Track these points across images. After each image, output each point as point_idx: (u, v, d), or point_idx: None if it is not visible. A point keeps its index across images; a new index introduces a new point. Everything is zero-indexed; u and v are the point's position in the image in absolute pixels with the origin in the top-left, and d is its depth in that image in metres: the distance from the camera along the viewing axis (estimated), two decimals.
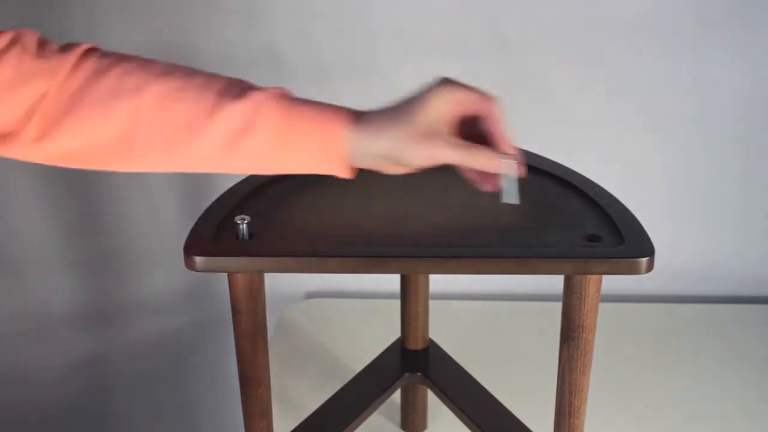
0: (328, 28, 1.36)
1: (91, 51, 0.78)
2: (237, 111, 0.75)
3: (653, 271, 0.82)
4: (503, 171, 0.75)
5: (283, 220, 0.88)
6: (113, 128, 0.76)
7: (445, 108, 0.75)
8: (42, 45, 0.76)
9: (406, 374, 1.18)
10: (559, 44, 1.36)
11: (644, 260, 0.79)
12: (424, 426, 1.32)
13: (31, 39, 0.76)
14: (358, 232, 0.77)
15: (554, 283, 1.10)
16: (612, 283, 0.95)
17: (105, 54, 0.78)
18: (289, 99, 0.77)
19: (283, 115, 0.76)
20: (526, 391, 1.25)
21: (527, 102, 1.40)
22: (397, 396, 1.27)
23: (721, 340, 1.49)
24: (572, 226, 0.84)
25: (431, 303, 1.19)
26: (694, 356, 1.45)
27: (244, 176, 0.95)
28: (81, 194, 1.53)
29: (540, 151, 0.97)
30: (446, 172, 0.92)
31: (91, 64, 0.76)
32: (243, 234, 0.82)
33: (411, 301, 1.17)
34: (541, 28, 1.34)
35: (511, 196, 0.76)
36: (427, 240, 0.84)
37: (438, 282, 1.25)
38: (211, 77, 0.78)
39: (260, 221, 0.85)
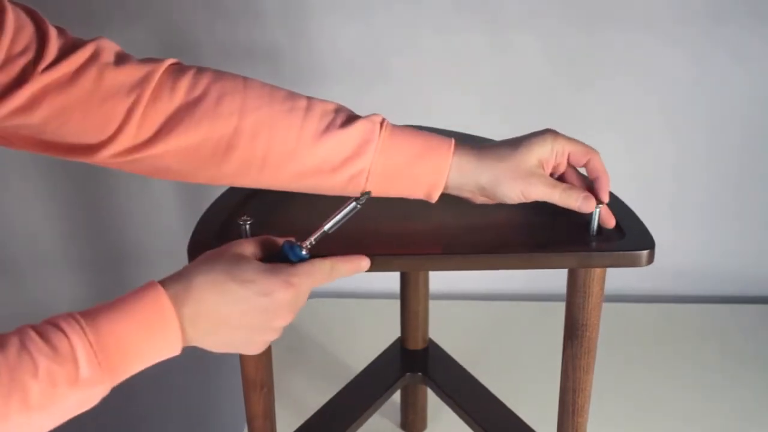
0: (327, 28, 1.36)
1: (174, 66, 0.78)
2: (345, 138, 0.78)
3: (653, 271, 0.83)
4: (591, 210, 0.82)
5: (284, 220, 0.88)
6: (208, 149, 0.77)
7: (547, 155, 0.81)
8: (122, 58, 0.76)
9: (407, 374, 1.18)
10: (560, 44, 1.36)
11: (645, 253, 0.81)
12: (424, 426, 1.32)
13: (109, 52, 0.75)
14: (361, 230, 0.77)
15: (554, 282, 1.10)
16: (613, 283, 0.96)
17: (198, 72, 0.78)
18: (391, 128, 0.80)
19: (388, 145, 0.79)
20: (526, 390, 1.25)
21: (528, 102, 1.40)
22: (397, 396, 1.27)
23: (721, 340, 1.49)
24: (574, 222, 0.84)
25: (431, 303, 1.19)
26: (694, 356, 1.45)
27: None
28: (81, 194, 1.53)
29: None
30: None
31: (183, 82, 0.76)
32: (246, 235, 0.82)
33: (411, 301, 1.17)
34: (542, 27, 1.34)
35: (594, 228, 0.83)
36: (430, 238, 0.84)
37: (438, 282, 1.25)
38: (313, 101, 0.80)
39: (262, 222, 0.85)
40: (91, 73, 0.73)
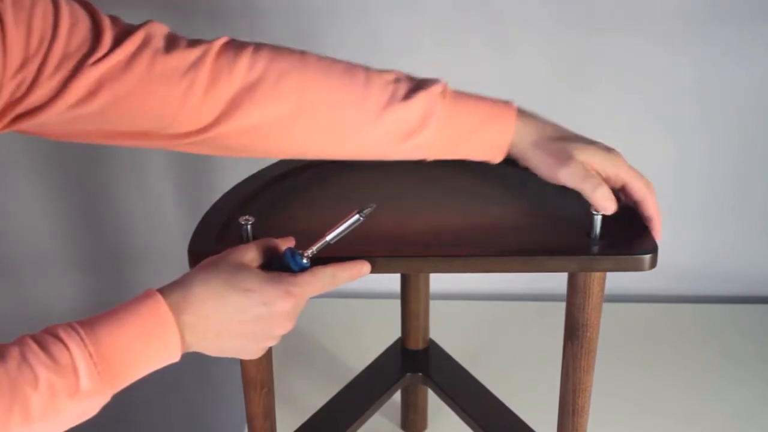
0: (328, 28, 1.36)
1: (229, 44, 0.78)
2: (406, 112, 0.79)
3: (653, 271, 0.82)
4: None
5: (285, 220, 0.88)
6: (270, 128, 0.78)
7: (599, 166, 0.81)
8: (173, 42, 0.76)
9: (407, 374, 1.18)
10: (561, 43, 1.36)
11: (647, 257, 0.81)
12: (425, 426, 1.32)
13: (159, 37, 0.75)
14: (362, 232, 0.77)
15: (554, 283, 1.10)
16: (613, 283, 0.96)
17: (255, 50, 0.78)
18: (453, 95, 0.81)
19: (451, 114, 0.80)
20: (526, 390, 1.25)
21: (528, 103, 1.40)
22: (397, 396, 1.27)
23: (721, 340, 1.49)
24: (576, 225, 0.84)
25: (431, 303, 1.19)
26: (694, 356, 1.45)
27: (245, 176, 0.95)
28: (81, 194, 1.53)
29: None
30: (449, 173, 0.92)
31: (242, 63, 0.77)
32: (247, 235, 0.82)
33: (411, 301, 1.17)
34: (542, 27, 1.34)
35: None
36: (431, 239, 0.84)
37: (438, 282, 1.25)
38: (371, 74, 0.81)
39: (263, 222, 0.85)
40: (144, 60, 0.73)
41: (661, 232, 0.83)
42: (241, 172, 0.96)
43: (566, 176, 0.81)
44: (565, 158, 0.81)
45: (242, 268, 0.73)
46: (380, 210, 0.81)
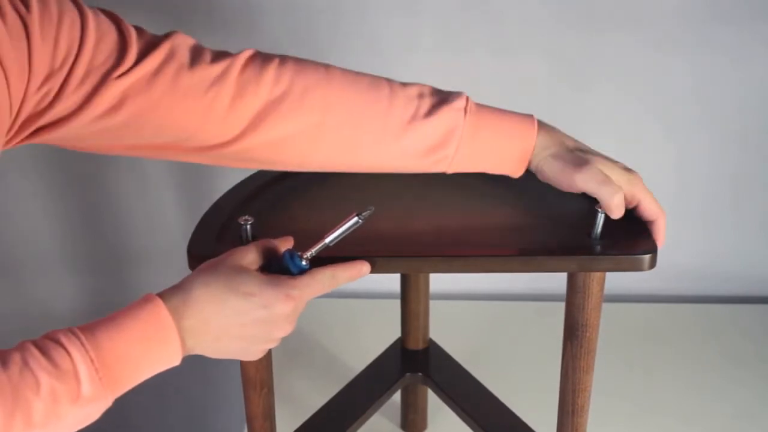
0: (328, 27, 1.36)
1: (255, 58, 0.78)
2: (430, 128, 0.80)
3: (654, 271, 0.82)
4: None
5: (285, 220, 0.88)
6: (294, 141, 0.79)
7: (619, 180, 0.81)
8: (197, 55, 0.76)
9: (407, 374, 1.18)
10: (561, 44, 1.36)
11: (647, 257, 0.81)
12: (425, 426, 1.32)
13: (184, 50, 0.75)
14: (361, 232, 0.77)
15: (554, 283, 1.10)
16: (613, 283, 0.96)
17: (281, 64, 0.78)
18: (476, 110, 0.82)
19: (474, 130, 0.81)
20: (526, 390, 1.25)
21: (528, 105, 1.40)
22: (397, 396, 1.27)
23: (721, 340, 1.49)
24: (576, 225, 0.84)
25: (431, 303, 1.19)
26: (694, 356, 1.45)
27: (245, 176, 0.95)
28: (81, 194, 1.53)
29: None
30: (449, 173, 0.92)
31: (267, 77, 0.77)
32: (246, 235, 0.82)
33: (411, 301, 1.17)
34: (542, 27, 1.34)
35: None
36: (431, 239, 0.84)
37: (438, 282, 1.25)
38: (395, 88, 0.81)
39: (263, 222, 0.85)
40: (168, 74, 0.73)
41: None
42: (241, 172, 0.96)
43: (584, 180, 0.81)
44: (584, 163, 0.81)
45: (242, 271, 0.73)
46: (380, 210, 0.81)
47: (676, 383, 1.40)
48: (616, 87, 1.40)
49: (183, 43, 0.76)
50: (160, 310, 0.69)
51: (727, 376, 1.41)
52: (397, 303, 1.19)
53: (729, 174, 1.48)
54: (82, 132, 0.72)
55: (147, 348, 0.68)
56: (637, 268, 0.81)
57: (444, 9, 1.33)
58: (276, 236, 0.80)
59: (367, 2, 1.34)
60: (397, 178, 0.91)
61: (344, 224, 0.76)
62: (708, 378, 1.41)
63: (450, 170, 0.84)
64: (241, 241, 0.82)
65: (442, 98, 0.82)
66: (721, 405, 1.35)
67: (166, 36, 0.76)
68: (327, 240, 0.76)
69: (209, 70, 0.75)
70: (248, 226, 0.81)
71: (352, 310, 1.56)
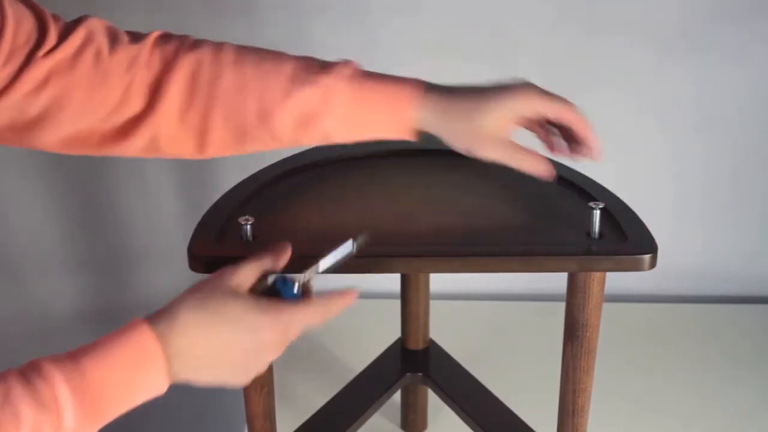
0: (328, 27, 1.36)
1: (161, 38, 0.80)
2: (308, 97, 0.78)
3: (654, 271, 0.82)
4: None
5: (285, 220, 0.88)
6: (190, 120, 0.79)
7: (511, 114, 0.78)
8: (114, 38, 0.78)
9: (407, 374, 1.18)
10: (560, 45, 1.36)
11: (647, 257, 0.80)
12: (425, 426, 1.32)
13: (101, 33, 0.77)
14: (361, 231, 0.77)
15: (554, 283, 1.10)
16: (613, 283, 0.95)
17: (180, 42, 0.80)
18: (359, 76, 0.80)
19: (353, 96, 0.79)
20: (526, 390, 1.25)
21: None
22: (397, 396, 1.27)
23: (721, 340, 1.49)
24: (576, 225, 0.84)
25: (431, 303, 1.19)
26: (694, 356, 1.45)
27: (245, 176, 0.95)
28: (81, 194, 1.53)
29: (544, 152, 0.97)
30: (449, 173, 0.92)
31: (164, 53, 0.78)
32: (247, 235, 0.82)
33: (411, 301, 1.17)
34: (541, 29, 1.34)
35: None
36: (431, 239, 0.84)
37: (438, 282, 1.25)
38: (281, 60, 0.80)
39: (263, 222, 0.85)
40: (89, 56, 0.75)
41: (592, 136, 0.81)
42: (241, 172, 0.96)
43: (487, 156, 0.79)
44: (479, 137, 0.78)
45: (230, 295, 0.71)
46: (380, 210, 0.81)
47: (676, 383, 1.39)
48: (615, 88, 1.40)
49: (98, 26, 0.78)
50: (146, 338, 0.68)
51: (727, 376, 1.41)
52: (397, 303, 1.19)
53: (729, 174, 1.48)
54: (9, 115, 0.73)
55: (132, 377, 0.67)
56: (637, 268, 0.81)
57: (444, 9, 1.33)
58: (276, 236, 0.79)
59: (367, 2, 1.34)
60: (397, 178, 0.91)
61: (337, 253, 0.76)
62: (708, 378, 1.41)
63: (336, 141, 0.81)
64: (241, 241, 0.82)
65: (326, 67, 0.80)
66: (721, 405, 1.35)
67: (80, 19, 0.77)
68: (320, 268, 0.76)
69: (126, 53, 0.77)
70: (248, 226, 0.82)
71: (352, 310, 1.54)
